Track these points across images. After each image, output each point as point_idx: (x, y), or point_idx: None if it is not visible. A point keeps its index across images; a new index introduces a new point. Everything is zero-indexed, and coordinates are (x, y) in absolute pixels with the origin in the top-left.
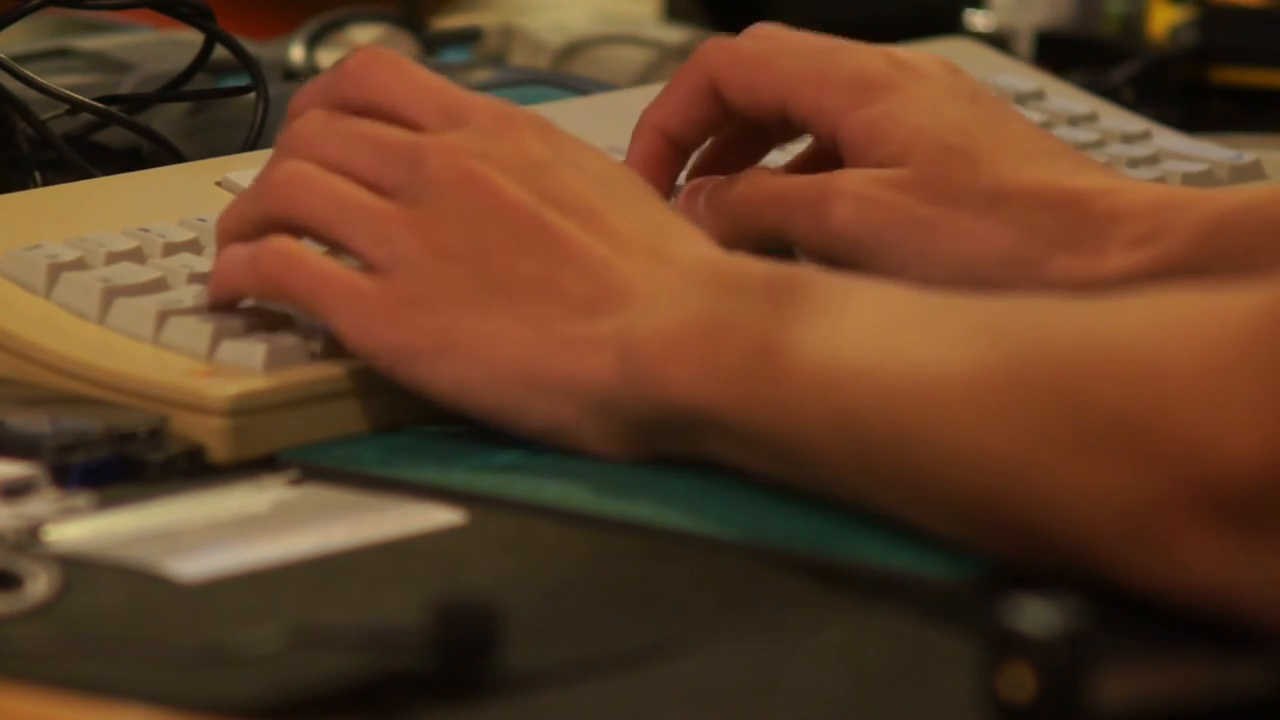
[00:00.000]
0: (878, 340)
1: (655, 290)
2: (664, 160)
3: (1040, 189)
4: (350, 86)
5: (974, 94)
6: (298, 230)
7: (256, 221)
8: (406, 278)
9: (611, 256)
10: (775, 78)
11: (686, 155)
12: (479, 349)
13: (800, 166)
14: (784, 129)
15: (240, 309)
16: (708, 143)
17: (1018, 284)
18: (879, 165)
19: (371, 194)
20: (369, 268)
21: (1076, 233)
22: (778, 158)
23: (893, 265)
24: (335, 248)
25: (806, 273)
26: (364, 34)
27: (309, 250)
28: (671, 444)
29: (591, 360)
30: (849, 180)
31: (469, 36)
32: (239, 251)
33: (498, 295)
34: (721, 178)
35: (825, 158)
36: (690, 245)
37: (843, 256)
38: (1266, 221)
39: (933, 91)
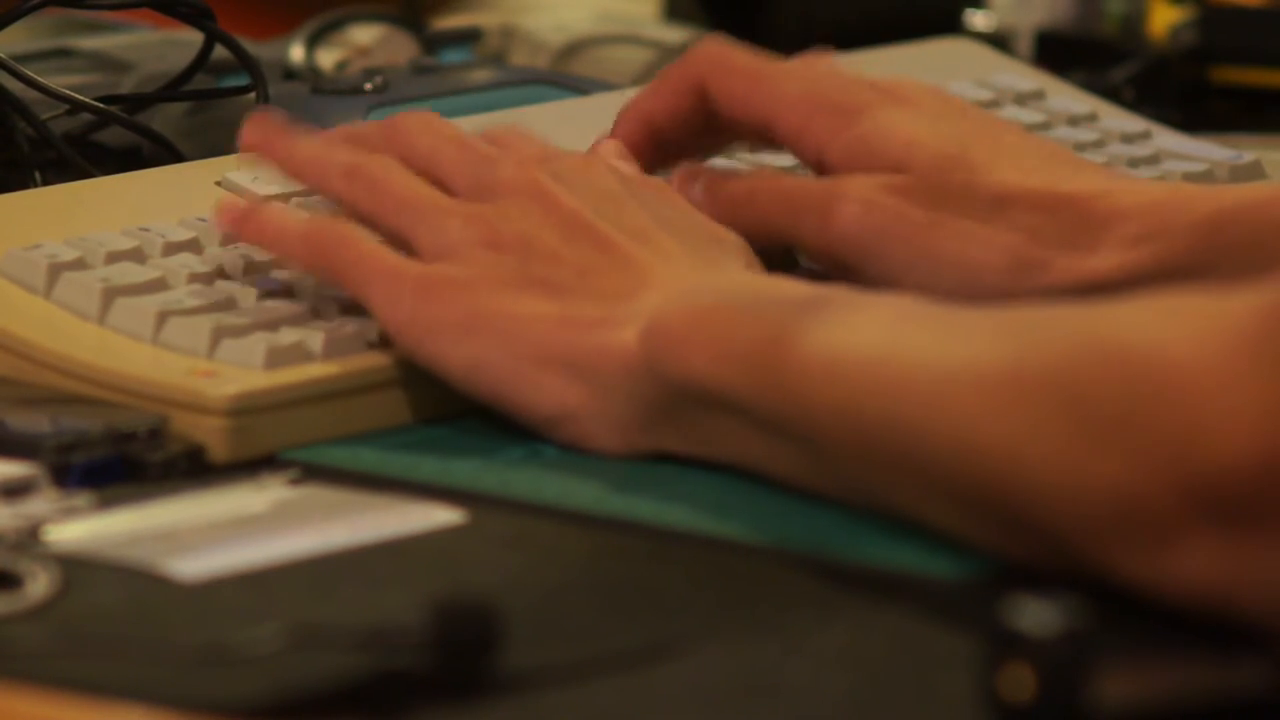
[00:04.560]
0: (884, 334)
1: (688, 285)
2: (642, 149)
3: (1040, 193)
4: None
5: (964, 111)
6: (364, 220)
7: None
8: (450, 261)
9: (654, 262)
10: (764, 98)
11: (665, 149)
12: (503, 328)
13: None
14: (767, 140)
15: (240, 308)
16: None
17: (1023, 288)
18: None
19: (438, 193)
20: (419, 256)
21: (1078, 234)
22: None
23: (898, 269)
24: (395, 238)
25: (838, 289)
26: (364, 34)
27: (366, 235)
28: (677, 431)
29: (612, 337)
30: (854, 185)
31: (469, 36)
32: (298, 221)
33: (534, 285)
34: (721, 168)
35: None
36: (739, 270)
37: (848, 260)
38: (1267, 221)
39: (922, 111)
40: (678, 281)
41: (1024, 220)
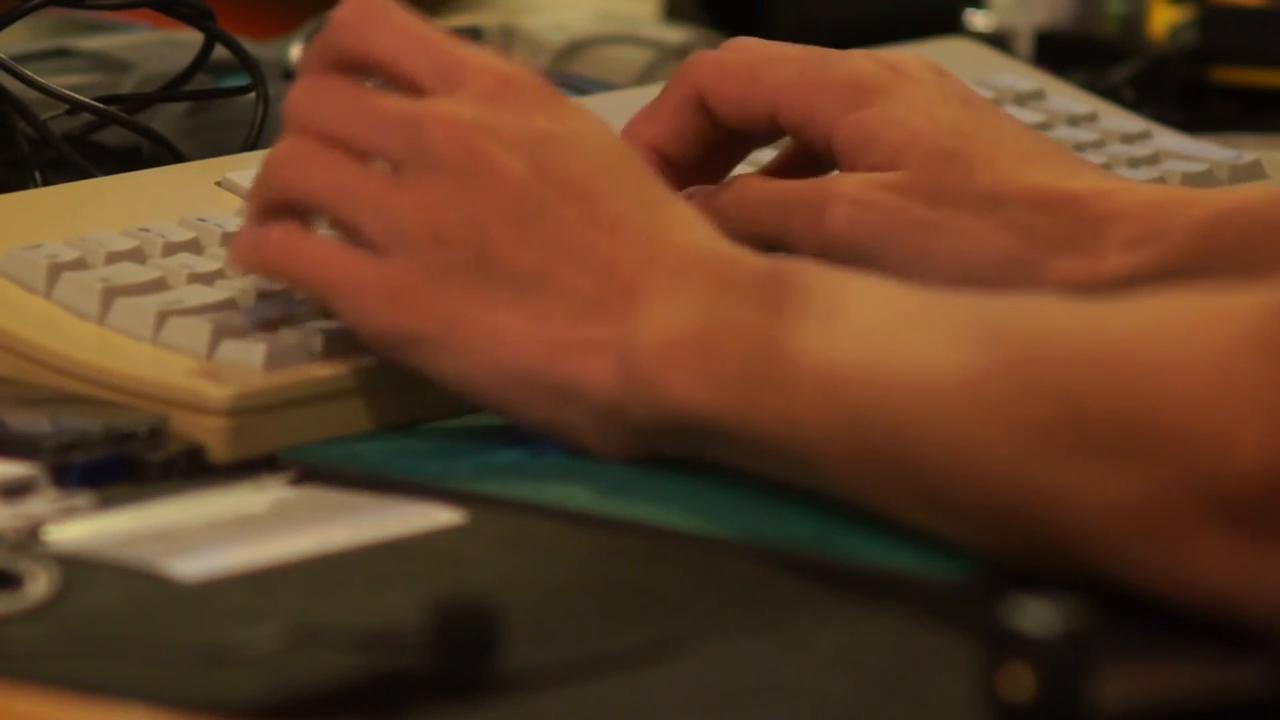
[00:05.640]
0: (877, 341)
1: (654, 292)
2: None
3: (1038, 190)
4: (346, 39)
5: (965, 97)
6: (303, 209)
7: (267, 201)
8: (406, 261)
9: (611, 251)
10: (765, 88)
11: (680, 170)
12: (480, 342)
13: (780, 169)
14: (769, 136)
15: (240, 308)
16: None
17: (1018, 286)
18: (873, 168)
19: (370, 171)
20: (371, 247)
21: (1075, 234)
22: (758, 155)
23: (893, 268)
24: (338, 226)
25: (799, 267)
26: None
27: (308, 235)
28: (673, 448)
29: (591, 365)
30: (847, 184)
31: (469, 36)
32: (247, 236)
33: (498, 286)
34: (710, 186)
35: (804, 159)
36: (687, 230)
37: (842, 260)
38: (1261, 223)
39: (925, 94)
40: (641, 284)
41: (1020, 218)
